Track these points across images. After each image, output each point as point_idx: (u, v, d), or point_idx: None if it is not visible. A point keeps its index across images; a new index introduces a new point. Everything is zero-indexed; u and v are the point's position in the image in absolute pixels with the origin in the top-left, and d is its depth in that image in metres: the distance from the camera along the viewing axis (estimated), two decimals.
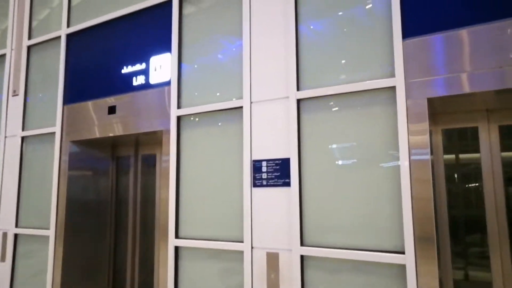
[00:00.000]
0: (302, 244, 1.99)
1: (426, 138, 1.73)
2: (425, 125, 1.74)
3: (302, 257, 1.98)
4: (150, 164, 3.74)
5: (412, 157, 1.74)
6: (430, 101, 1.77)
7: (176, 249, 2.44)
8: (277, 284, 2.02)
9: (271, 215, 2.09)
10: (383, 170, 1.84)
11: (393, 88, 1.85)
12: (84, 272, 3.44)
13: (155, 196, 3.62)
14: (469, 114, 2.07)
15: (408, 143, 1.76)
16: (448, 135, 2.10)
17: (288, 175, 2.07)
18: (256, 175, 2.17)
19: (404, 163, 1.75)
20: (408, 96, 1.79)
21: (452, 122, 2.07)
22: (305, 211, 2.01)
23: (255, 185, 2.17)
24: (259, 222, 2.13)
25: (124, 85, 2.87)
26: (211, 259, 2.30)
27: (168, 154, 2.54)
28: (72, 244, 3.22)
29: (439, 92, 1.73)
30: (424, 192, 1.69)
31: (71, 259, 3.23)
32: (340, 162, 1.95)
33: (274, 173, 2.12)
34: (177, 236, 2.45)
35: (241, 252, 2.18)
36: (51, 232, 3.07)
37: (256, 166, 2.18)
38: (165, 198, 2.53)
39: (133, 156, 3.80)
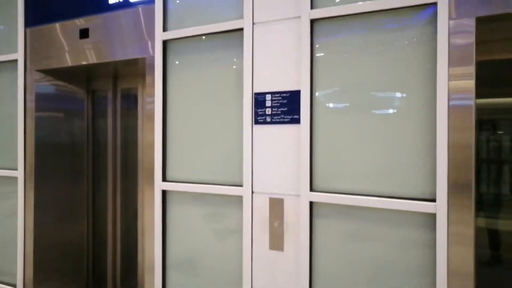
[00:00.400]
0: (312, 189, 1.74)
1: (470, 75, 1.43)
2: (471, 53, 1.44)
3: (311, 203, 1.74)
4: (131, 99, 3.36)
5: (451, 103, 1.46)
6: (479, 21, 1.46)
7: (164, 193, 2.16)
8: (281, 234, 1.79)
9: (276, 156, 1.81)
10: (414, 110, 1.55)
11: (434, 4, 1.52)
12: (60, 216, 3.16)
13: (137, 133, 3.28)
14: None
15: (447, 83, 1.46)
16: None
17: (297, 111, 1.76)
18: (259, 110, 1.86)
19: (441, 101, 1.47)
20: (452, 16, 1.47)
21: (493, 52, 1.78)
22: (317, 152, 1.73)
23: (257, 122, 1.86)
24: (261, 163, 1.85)
25: (98, 3, 2.41)
26: (204, 205, 2.04)
27: (152, 86, 2.17)
28: (45, 187, 2.90)
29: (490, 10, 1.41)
30: (464, 138, 1.43)
31: (44, 202, 2.93)
32: (361, 97, 1.65)
33: (280, 108, 1.81)
34: (164, 179, 2.16)
35: (240, 198, 1.92)
36: (19, 174, 2.73)
37: (259, 100, 1.86)
38: (150, 137, 2.21)
39: (112, 91, 3.39)
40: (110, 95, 3.36)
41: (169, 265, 2.15)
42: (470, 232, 1.42)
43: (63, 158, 3.18)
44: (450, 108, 1.46)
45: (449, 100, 1.46)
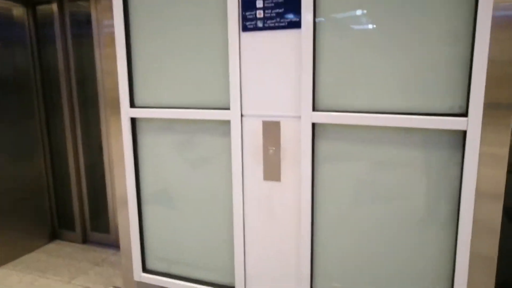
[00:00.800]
0: (314, 109, 1.46)
1: None
2: None
3: (314, 126, 1.48)
4: (83, 22, 2.83)
5: (497, 13, 1.16)
6: None
7: (133, 121, 1.82)
8: (277, 162, 1.54)
9: (270, 71, 1.50)
10: (445, 12, 1.25)
11: None
12: (13, 157, 2.77)
13: (95, 60, 2.82)
14: None
15: None
16: None
17: (297, 11, 1.42)
18: (247, 13, 1.49)
19: (484, 7, 1.17)
20: None
21: None
22: (321, 64, 1.43)
23: (245, 28, 1.51)
24: (251, 80, 1.53)
25: None
26: (184, 133, 1.73)
27: (110, 7, 1.72)
28: None
29: None
30: (509, 53, 1.17)
31: None
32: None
33: (275, 9, 1.45)
34: (132, 105, 1.81)
35: (227, 123, 1.62)
36: None
37: (247, 0, 1.49)
38: (110, 64, 1.81)
39: (59, 12, 2.84)
40: (57, 17, 2.81)
41: (145, 201, 1.89)
42: (504, 153, 1.23)
43: (7, 94, 2.70)
44: (494, 18, 1.17)
45: (494, 10, 1.17)
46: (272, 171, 1.56)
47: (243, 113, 1.57)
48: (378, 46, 1.34)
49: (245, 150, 1.59)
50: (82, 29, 2.82)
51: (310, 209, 1.51)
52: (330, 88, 1.43)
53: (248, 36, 1.51)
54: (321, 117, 1.44)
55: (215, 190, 1.71)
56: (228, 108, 1.60)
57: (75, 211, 3.02)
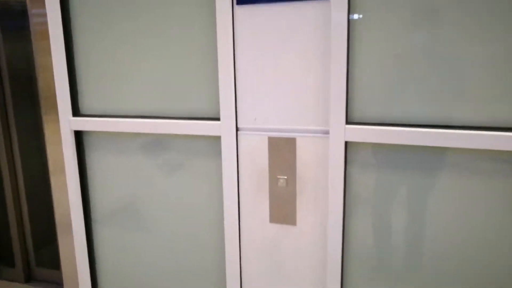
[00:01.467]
0: (348, 120, 0.99)
1: None
2: None
3: (347, 145, 1.00)
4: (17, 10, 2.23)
5: None
6: None
7: (79, 135, 1.29)
8: (290, 197, 1.06)
9: (279, 61, 1.01)
10: None
11: None
12: None
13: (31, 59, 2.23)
14: None
15: None
16: None
17: None
18: None
19: None
20: None
21: None
22: (360, 52, 0.95)
23: (241, 0, 1.01)
24: (250, 78, 1.04)
25: None
26: (155, 153, 1.21)
27: None
28: None
29: None
30: None
31: None
32: None
33: None
34: (77, 113, 1.27)
35: (216, 140, 1.12)
36: None
37: None
38: (45, 58, 1.27)
39: None
40: None
41: (96, 224, 1.36)
42: None
43: None
44: None
45: None
46: (282, 210, 1.07)
47: (240, 126, 1.07)
48: (453, 31, 0.88)
49: (242, 179, 1.10)
50: (16, 21, 2.23)
51: (339, 267, 1.03)
52: (374, 90, 0.96)
53: (246, 11, 1.01)
54: (359, 133, 0.96)
55: (200, 236, 1.21)
56: (217, 119, 1.09)
57: (14, 242, 2.40)
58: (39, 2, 1.30)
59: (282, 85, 1.01)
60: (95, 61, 1.21)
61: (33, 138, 2.34)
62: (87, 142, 1.29)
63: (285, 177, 1.05)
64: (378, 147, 0.98)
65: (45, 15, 1.21)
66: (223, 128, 1.07)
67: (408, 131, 0.91)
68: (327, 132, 0.99)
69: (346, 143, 0.98)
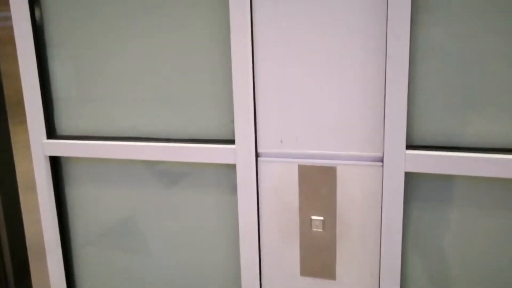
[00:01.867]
0: (409, 146, 0.74)
1: None
2: None
3: (408, 176, 0.76)
4: None
5: None
6: None
7: (54, 162, 1.03)
8: (329, 244, 0.81)
9: (311, 65, 0.77)
10: None
11: None
12: None
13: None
14: None
15: None
16: None
17: None
18: None
19: None
20: None
21: None
22: (426, 49, 0.72)
23: None
24: (274, 87, 0.80)
25: None
26: (152, 183, 0.96)
27: None
28: None
29: None
30: None
31: None
32: None
33: None
34: (52, 134, 1.02)
35: (230, 168, 0.87)
36: None
37: None
38: (9, 64, 1.03)
39: None
40: None
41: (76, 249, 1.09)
42: None
43: None
44: None
45: None
46: (317, 260, 0.82)
47: (260, 150, 0.83)
48: None
49: (263, 220, 0.85)
50: None
51: None
52: (444, 105, 0.72)
53: None
54: (425, 161, 0.72)
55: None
56: (231, 141, 0.84)
57: None
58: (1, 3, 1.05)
59: (317, 97, 0.77)
60: (76, 69, 0.97)
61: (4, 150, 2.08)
62: (66, 170, 1.04)
63: (321, 218, 0.80)
64: (450, 179, 0.74)
65: (9, 18, 0.97)
66: (238, 154, 0.82)
67: (495, 159, 0.67)
68: (379, 160, 0.75)
69: (406, 174, 0.74)
